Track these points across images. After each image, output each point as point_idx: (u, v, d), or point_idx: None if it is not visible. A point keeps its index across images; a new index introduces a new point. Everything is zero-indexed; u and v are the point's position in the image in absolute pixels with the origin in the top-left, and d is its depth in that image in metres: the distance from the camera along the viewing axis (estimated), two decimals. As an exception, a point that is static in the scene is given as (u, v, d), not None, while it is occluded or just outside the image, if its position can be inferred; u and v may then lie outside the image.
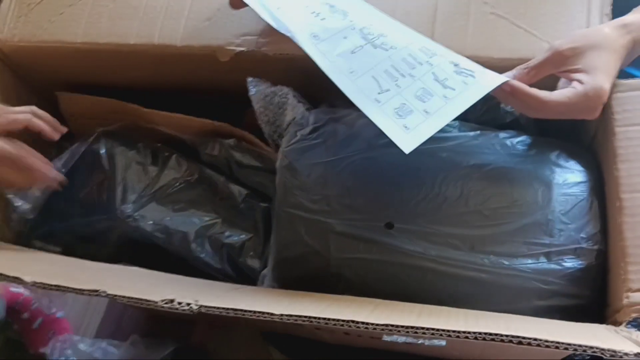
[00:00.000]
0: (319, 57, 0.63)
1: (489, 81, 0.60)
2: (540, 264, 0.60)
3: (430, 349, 0.79)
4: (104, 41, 0.78)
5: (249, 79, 0.71)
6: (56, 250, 0.80)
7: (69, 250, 0.79)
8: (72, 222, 0.76)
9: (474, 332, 0.47)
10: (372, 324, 0.48)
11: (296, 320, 0.50)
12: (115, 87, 0.83)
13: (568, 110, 0.59)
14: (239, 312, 0.52)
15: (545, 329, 0.49)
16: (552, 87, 0.62)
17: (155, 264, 0.74)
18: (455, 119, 0.67)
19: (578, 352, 0.45)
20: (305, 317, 0.50)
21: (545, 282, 0.60)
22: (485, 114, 0.69)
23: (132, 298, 0.54)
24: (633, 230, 0.57)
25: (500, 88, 0.60)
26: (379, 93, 0.59)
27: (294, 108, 0.70)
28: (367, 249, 0.63)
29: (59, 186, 0.74)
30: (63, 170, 0.78)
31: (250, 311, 0.52)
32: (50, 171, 0.72)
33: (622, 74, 0.63)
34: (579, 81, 0.59)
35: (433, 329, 0.47)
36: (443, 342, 0.48)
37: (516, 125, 0.69)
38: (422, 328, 0.48)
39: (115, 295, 0.55)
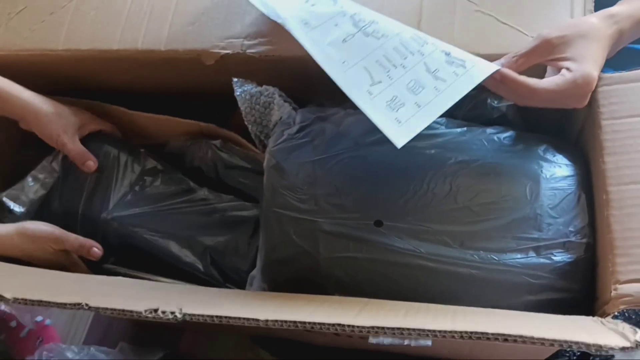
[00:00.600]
0: (310, 46, 0.62)
1: (479, 71, 0.60)
2: (529, 259, 0.60)
3: (421, 349, 0.79)
4: (87, 47, 0.77)
5: (235, 80, 0.71)
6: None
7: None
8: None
9: (460, 332, 0.47)
10: (358, 326, 0.49)
11: (282, 325, 0.50)
12: (100, 93, 0.83)
13: (557, 98, 0.59)
14: (224, 319, 0.52)
15: (532, 324, 0.49)
16: (540, 77, 0.62)
17: (142, 266, 0.74)
18: (442, 116, 0.67)
19: (564, 347, 0.45)
20: (291, 321, 0.50)
21: (535, 276, 0.60)
22: (472, 110, 0.69)
23: (115, 309, 0.54)
24: (620, 222, 0.57)
25: (490, 76, 0.60)
26: (370, 85, 0.59)
27: (280, 107, 0.70)
28: (357, 247, 0.63)
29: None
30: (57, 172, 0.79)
31: (235, 317, 0.52)
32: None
33: (625, 50, 0.63)
34: (567, 69, 0.59)
35: (419, 329, 0.47)
36: (429, 342, 0.48)
37: (503, 121, 0.69)
38: (408, 329, 0.48)
39: (99, 308, 0.54)
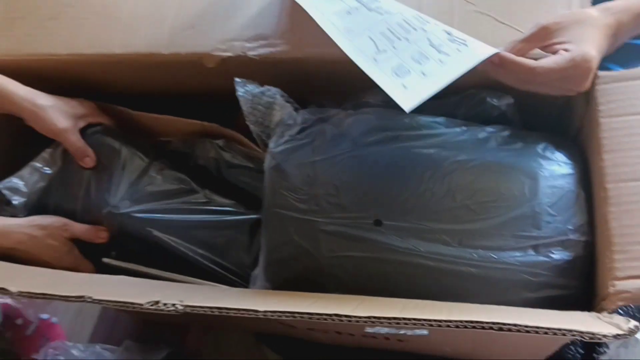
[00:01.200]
0: (315, 12, 0.63)
1: (481, 51, 0.60)
2: (528, 257, 0.60)
3: (423, 348, 0.79)
4: (89, 52, 0.78)
5: (237, 80, 0.71)
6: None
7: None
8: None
9: (455, 320, 0.47)
10: (355, 316, 0.49)
11: (280, 316, 0.51)
12: (104, 96, 0.83)
13: (557, 78, 0.60)
14: (224, 310, 0.52)
15: (528, 317, 0.49)
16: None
17: (144, 260, 0.74)
18: (441, 116, 0.68)
19: (558, 335, 0.46)
20: (289, 312, 0.51)
21: (534, 274, 0.60)
22: (471, 109, 0.70)
23: (118, 302, 0.55)
24: (618, 219, 0.57)
25: (489, 60, 0.60)
26: (376, 53, 0.60)
27: (282, 108, 0.70)
28: (357, 247, 0.64)
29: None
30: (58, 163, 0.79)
31: (234, 309, 0.52)
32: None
33: (633, 47, 0.64)
34: (566, 50, 0.60)
35: (414, 319, 0.48)
36: (425, 332, 0.48)
37: (503, 119, 0.69)
38: (404, 318, 0.48)
39: (101, 300, 0.55)
